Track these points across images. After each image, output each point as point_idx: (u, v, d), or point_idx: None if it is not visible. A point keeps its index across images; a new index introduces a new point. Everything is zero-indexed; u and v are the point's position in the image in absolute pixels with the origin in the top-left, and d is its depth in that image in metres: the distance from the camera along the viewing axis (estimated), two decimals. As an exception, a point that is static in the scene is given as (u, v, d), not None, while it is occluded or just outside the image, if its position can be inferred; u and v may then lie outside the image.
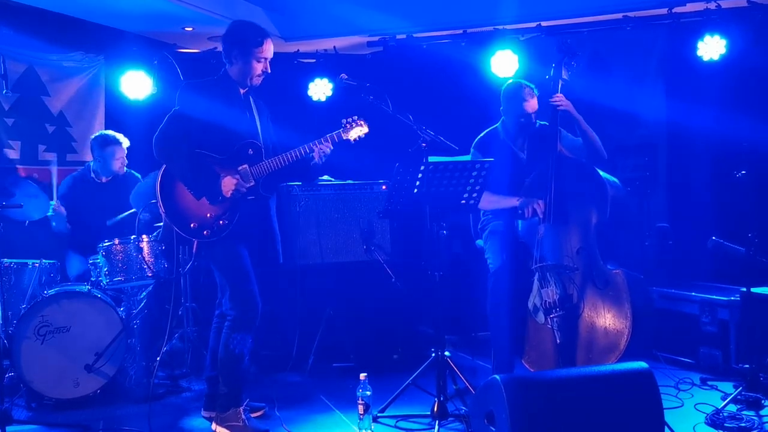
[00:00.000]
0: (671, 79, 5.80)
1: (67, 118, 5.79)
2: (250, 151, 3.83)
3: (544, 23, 5.57)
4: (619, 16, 5.39)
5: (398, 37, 5.99)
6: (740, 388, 3.98)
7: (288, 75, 6.27)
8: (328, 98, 6.26)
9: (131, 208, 4.73)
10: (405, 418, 3.91)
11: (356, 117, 3.89)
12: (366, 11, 5.71)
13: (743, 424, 3.65)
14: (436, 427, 3.71)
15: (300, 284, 5.30)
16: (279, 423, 3.95)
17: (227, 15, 5.36)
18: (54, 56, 5.66)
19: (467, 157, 4.38)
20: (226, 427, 3.79)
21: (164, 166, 3.82)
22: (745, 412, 3.80)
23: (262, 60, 3.84)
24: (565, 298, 4.12)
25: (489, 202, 4.24)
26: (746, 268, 4.11)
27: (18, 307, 4.45)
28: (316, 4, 5.86)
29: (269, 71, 3.89)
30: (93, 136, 5.11)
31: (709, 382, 4.42)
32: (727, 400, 3.92)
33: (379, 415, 3.90)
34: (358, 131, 3.88)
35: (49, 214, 4.83)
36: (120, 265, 4.45)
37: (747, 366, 4.03)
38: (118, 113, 5.83)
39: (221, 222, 3.79)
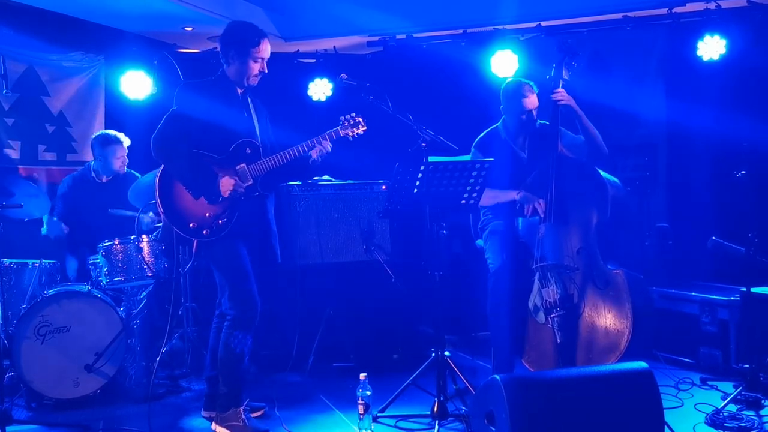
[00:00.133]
0: (671, 79, 5.80)
1: (67, 118, 5.80)
2: (248, 150, 3.84)
3: (544, 23, 5.57)
4: (619, 16, 5.39)
5: (398, 37, 6.00)
6: (740, 388, 3.98)
7: (288, 75, 6.28)
8: (328, 98, 6.27)
9: (131, 208, 4.73)
10: (405, 418, 3.91)
11: (354, 114, 3.90)
12: (366, 11, 5.71)
13: (743, 424, 3.65)
14: (436, 427, 3.71)
15: (300, 284, 5.30)
16: (279, 423, 3.95)
17: (227, 15, 5.36)
18: (54, 56, 5.67)
19: (467, 157, 4.38)
20: (226, 427, 3.79)
21: (162, 166, 3.83)
22: (745, 412, 3.80)
23: (259, 60, 3.84)
24: (565, 297, 4.12)
25: (489, 197, 4.24)
26: (746, 268, 4.11)
27: (18, 307, 4.45)
28: (316, 4, 5.86)
29: (266, 71, 3.89)
30: (94, 135, 5.11)
31: (709, 382, 4.41)
32: (727, 400, 3.92)
33: (379, 415, 3.90)
34: (356, 128, 3.88)
35: (43, 229, 4.84)
36: (120, 265, 4.45)
37: (747, 366, 4.02)
38: (118, 113, 5.83)
39: (220, 221, 3.79)
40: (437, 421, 3.73)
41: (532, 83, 4.40)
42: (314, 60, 6.37)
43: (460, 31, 5.84)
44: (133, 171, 5.14)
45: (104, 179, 5.08)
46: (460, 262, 5.25)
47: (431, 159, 3.80)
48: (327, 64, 6.26)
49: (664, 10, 5.28)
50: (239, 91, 3.91)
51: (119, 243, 4.47)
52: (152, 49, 5.80)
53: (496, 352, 4.22)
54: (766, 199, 4.64)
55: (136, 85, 5.56)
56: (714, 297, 4.69)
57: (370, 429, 3.67)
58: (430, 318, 5.24)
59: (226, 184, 3.75)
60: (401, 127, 3.93)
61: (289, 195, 5.23)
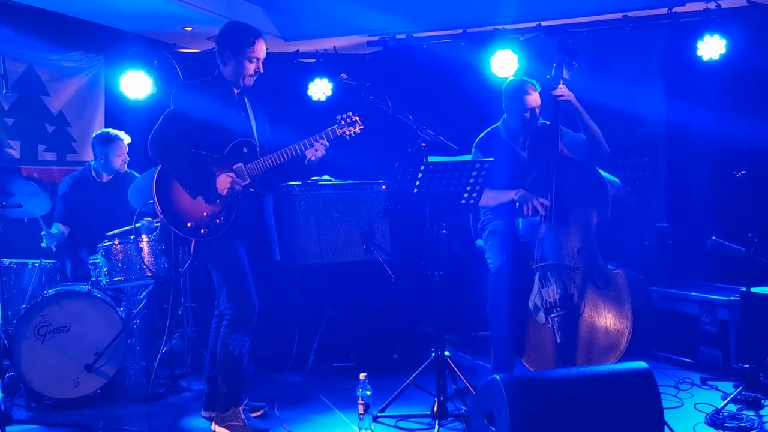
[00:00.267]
0: (671, 79, 5.80)
1: (67, 117, 5.80)
2: (245, 150, 3.85)
3: (544, 23, 5.57)
4: (619, 15, 5.39)
5: (398, 37, 6.00)
6: (740, 387, 3.98)
7: (288, 75, 6.28)
8: (328, 98, 6.27)
9: (131, 208, 4.72)
10: (405, 417, 3.91)
11: (351, 113, 3.90)
12: (366, 11, 5.71)
13: (743, 424, 3.65)
14: (436, 426, 3.71)
15: (300, 284, 5.30)
16: (279, 423, 3.95)
17: (227, 15, 5.36)
18: (54, 56, 5.67)
19: (468, 157, 4.38)
20: (226, 427, 3.79)
21: (160, 166, 3.84)
22: (744, 412, 3.80)
23: (255, 60, 3.85)
24: (565, 297, 4.12)
25: (488, 198, 4.24)
26: (746, 267, 4.11)
27: (18, 307, 4.45)
28: (316, 4, 5.86)
29: (262, 71, 3.90)
30: (94, 134, 5.11)
31: (709, 382, 4.42)
32: (727, 399, 3.92)
33: (379, 414, 3.90)
34: (353, 127, 3.88)
35: (42, 243, 4.84)
36: (120, 265, 4.45)
37: (747, 366, 4.02)
38: (118, 113, 5.83)
39: (218, 220, 3.80)
40: (437, 421, 3.73)
41: (534, 81, 4.39)
42: (314, 60, 6.38)
43: (460, 31, 5.84)
44: (133, 171, 5.14)
45: (105, 178, 5.08)
46: (460, 262, 5.25)
47: (431, 159, 3.80)
48: (327, 64, 6.27)
49: (664, 10, 5.28)
50: (236, 91, 3.92)
51: (119, 243, 4.47)
52: (152, 49, 5.80)
53: (496, 352, 4.22)
54: (766, 199, 4.64)
55: (136, 84, 5.56)
56: (714, 297, 4.69)
57: (370, 429, 3.67)
58: (430, 318, 5.24)
59: (224, 182, 3.75)
60: (401, 127, 3.93)
61: (289, 195, 5.23)
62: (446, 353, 3.91)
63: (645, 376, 3.18)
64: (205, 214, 3.79)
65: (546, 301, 4.11)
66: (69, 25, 5.48)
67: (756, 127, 4.73)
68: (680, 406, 4.05)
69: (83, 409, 4.22)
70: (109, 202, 4.97)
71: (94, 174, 5.08)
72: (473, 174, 3.91)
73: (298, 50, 6.31)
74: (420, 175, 3.82)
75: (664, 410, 3.18)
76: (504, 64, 5.57)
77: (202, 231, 3.78)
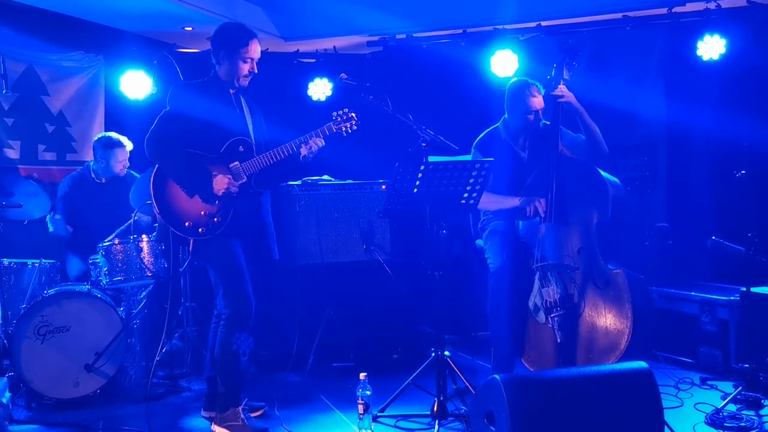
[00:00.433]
0: (671, 78, 5.80)
1: (67, 117, 5.80)
2: (241, 148, 3.86)
3: (543, 23, 5.57)
4: (619, 15, 5.39)
5: (398, 36, 6.00)
6: (740, 387, 3.98)
7: (288, 75, 6.29)
8: (328, 98, 6.27)
9: (131, 209, 4.72)
10: (405, 417, 3.91)
11: (347, 109, 3.91)
12: (366, 11, 5.71)
13: (743, 424, 3.65)
14: (436, 426, 3.71)
15: (300, 284, 5.30)
16: (279, 423, 3.95)
17: (227, 15, 5.36)
18: (54, 56, 5.67)
19: (468, 157, 4.38)
20: (226, 427, 3.79)
21: (157, 166, 3.84)
22: (744, 412, 3.81)
23: (249, 60, 3.87)
24: (565, 297, 4.12)
25: (491, 202, 4.25)
26: (746, 267, 4.11)
27: (18, 307, 4.45)
28: (316, 4, 5.86)
29: (256, 71, 3.92)
30: (97, 137, 5.10)
31: (709, 382, 4.42)
32: (727, 399, 3.92)
33: (379, 414, 3.90)
34: (348, 123, 3.88)
35: (49, 227, 4.84)
36: (120, 264, 4.46)
37: (747, 366, 4.03)
38: (118, 113, 5.83)
39: (215, 219, 3.80)
40: (437, 421, 3.73)
41: (539, 84, 4.39)
42: (314, 60, 6.38)
43: (460, 31, 5.84)
44: (132, 171, 5.14)
45: (103, 180, 5.08)
46: (460, 262, 5.25)
47: (431, 159, 3.80)
48: (327, 63, 6.27)
49: (663, 10, 5.29)
50: (232, 91, 3.93)
51: (119, 243, 4.47)
52: (152, 48, 5.80)
53: (496, 351, 4.22)
54: (766, 199, 4.64)
55: (136, 84, 5.56)
56: (714, 297, 4.69)
57: (370, 429, 3.67)
58: (430, 318, 5.24)
59: (220, 182, 3.76)
60: (401, 127, 3.93)
61: (289, 195, 5.23)
62: (446, 353, 3.91)
63: (645, 376, 3.18)
64: (202, 213, 3.80)
65: (546, 300, 4.11)
66: (69, 25, 5.48)
67: (756, 127, 4.73)
68: (680, 406, 4.05)
69: (83, 409, 4.22)
70: (108, 202, 4.97)
71: (93, 175, 5.08)
72: (473, 174, 3.91)
73: (298, 50, 6.31)
74: (420, 175, 3.82)
75: (664, 410, 3.18)
76: (504, 64, 5.57)
77: (200, 230, 3.79)
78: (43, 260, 4.61)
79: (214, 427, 3.85)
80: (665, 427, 3.19)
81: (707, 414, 3.80)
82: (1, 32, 5.24)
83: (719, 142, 5.32)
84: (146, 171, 4.65)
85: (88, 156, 5.39)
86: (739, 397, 3.92)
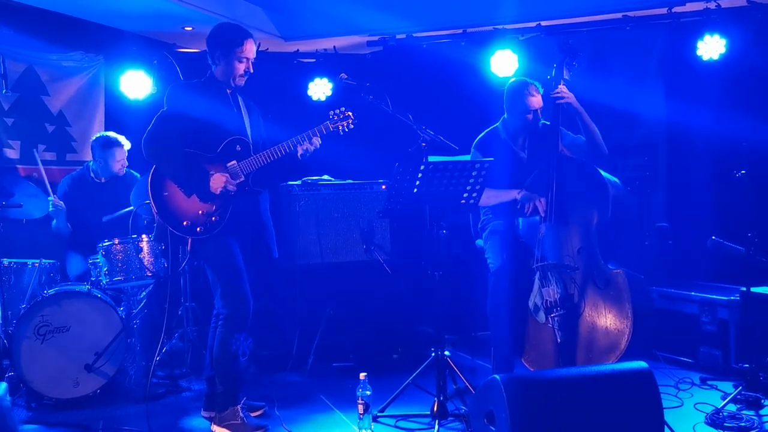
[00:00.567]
0: (671, 78, 5.80)
1: (67, 117, 5.80)
2: (238, 148, 3.87)
3: (543, 23, 5.57)
4: (619, 15, 5.39)
5: (398, 36, 6.00)
6: (740, 387, 3.97)
7: (288, 75, 6.29)
8: (328, 98, 6.26)
9: (132, 210, 4.73)
10: (405, 417, 3.91)
11: (344, 108, 3.92)
12: (366, 11, 5.71)
13: (743, 424, 3.65)
14: (436, 426, 3.71)
15: (300, 284, 5.30)
16: (279, 422, 3.95)
17: (227, 15, 5.36)
18: (54, 56, 5.66)
19: (467, 157, 4.38)
20: (225, 427, 3.80)
21: (154, 166, 3.85)
22: (744, 412, 3.80)
23: (244, 60, 3.88)
24: (565, 297, 4.12)
25: (489, 197, 4.24)
26: (746, 267, 4.11)
27: (18, 307, 4.45)
28: (316, 4, 5.86)
29: (252, 71, 3.93)
30: (94, 137, 5.11)
31: (709, 382, 4.42)
32: (727, 399, 3.92)
33: (379, 414, 3.90)
34: (346, 122, 3.89)
35: (50, 209, 4.83)
36: (120, 264, 4.46)
37: (747, 365, 4.02)
38: (118, 113, 5.83)
39: (213, 219, 3.81)
40: (437, 421, 3.73)
41: (537, 83, 4.39)
42: (314, 60, 6.38)
43: (460, 31, 5.84)
44: (132, 171, 5.15)
45: (103, 180, 5.08)
46: (460, 262, 5.25)
47: (431, 159, 3.80)
48: (327, 63, 6.27)
49: (663, 10, 5.28)
50: (228, 90, 3.94)
51: (119, 243, 4.47)
52: (152, 48, 5.80)
53: (496, 351, 4.22)
54: (766, 199, 4.65)
55: (136, 84, 5.56)
56: (714, 297, 4.69)
57: (370, 429, 3.67)
58: (430, 318, 5.24)
59: (218, 181, 3.77)
60: (401, 126, 3.93)
61: (289, 195, 5.23)
62: (446, 353, 3.91)
63: (645, 376, 3.18)
64: (200, 212, 3.81)
65: (546, 300, 4.11)
66: (69, 25, 5.48)
67: (756, 127, 4.73)
68: (680, 406, 4.05)
69: (83, 409, 4.22)
70: (108, 202, 4.97)
71: (92, 175, 5.08)
72: (473, 174, 3.91)
73: (298, 50, 6.31)
74: (420, 175, 3.82)
75: (664, 410, 3.18)
76: (504, 64, 5.57)
77: (198, 229, 3.80)
78: (43, 260, 4.61)
79: (214, 427, 3.85)
80: (665, 427, 3.19)
81: (707, 414, 3.80)
82: (1, 32, 5.24)
83: (719, 142, 5.32)
84: (147, 173, 4.64)
85: (88, 156, 5.39)
86: (739, 397, 3.92)
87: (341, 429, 3.91)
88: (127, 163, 5.09)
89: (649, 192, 5.63)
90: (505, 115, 4.51)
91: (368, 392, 3.63)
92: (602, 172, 4.27)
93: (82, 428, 3.91)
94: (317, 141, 3.88)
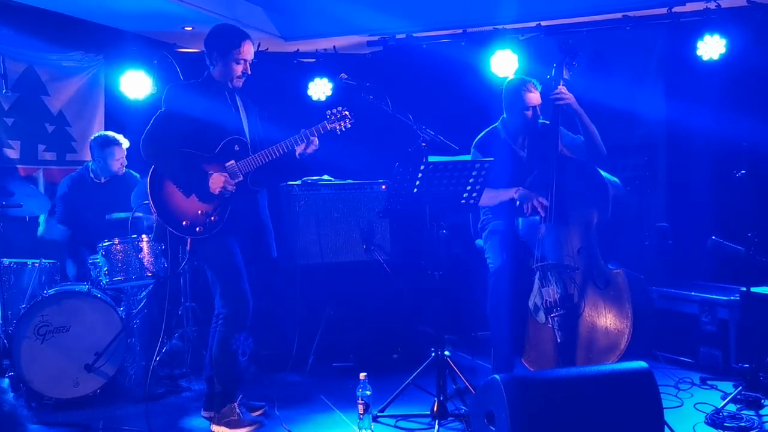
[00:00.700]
0: (671, 78, 5.80)
1: (67, 117, 5.80)
2: (236, 147, 3.88)
3: (543, 23, 5.57)
4: (619, 15, 5.39)
5: (398, 36, 6.00)
6: (740, 387, 3.97)
7: (288, 75, 6.29)
8: (328, 98, 6.26)
9: (129, 209, 4.73)
10: (405, 417, 3.91)
11: (341, 108, 3.92)
12: (366, 11, 5.71)
13: (743, 424, 3.65)
14: (436, 426, 3.71)
15: (300, 284, 5.30)
16: (279, 422, 3.95)
17: (227, 15, 5.37)
18: (54, 56, 5.66)
19: (467, 157, 4.38)
20: (224, 425, 3.81)
21: (153, 166, 3.85)
22: (744, 412, 3.80)
23: (242, 62, 3.89)
24: (565, 297, 4.12)
25: (488, 197, 4.24)
26: (746, 267, 4.11)
27: (18, 307, 4.45)
28: (316, 4, 5.86)
29: (249, 72, 3.94)
30: (93, 137, 5.11)
31: (709, 382, 4.41)
32: (727, 399, 3.92)
33: (379, 414, 3.90)
34: (343, 122, 3.89)
35: (42, 218, 4.84)
36: (120, 264, 4.46)
37: (747, 365, 4.02)
38: (118, 113, 5.83)
39: (212, 218, 3.81)
40: (437, 421, 3.73)
41: (535, 80, 4.39)
42: (314, 60, 6.38)
43: (460, 31, 5.84)
44: (131, 171, 5.15)
45: (102, 180, 5.08)
46: (460, 262, 5.25)
47: (431, 159, 3.80)
48: (327, 63, 6.27)
49: (663, 10, 5.28)
50: (226, 90, 3.94)
51: (119, 243, 4.47)
52: (152, 48, 5.80)
53: (496, 351, 4.22)
54: (766, 199, 4.64)
55: (136, 84, 5.56)
56: (714, 297, 4.69)
57: (370, 429, 3.67)
58: (430, 318, 5.24)
59: (217, 181, 3.78)
60: (401, 126, 3.93)
61: (289, 195, 5.23)
62: (446, 353, 3.91)
63: (645, 376, 3.18)
64: (199, 212, 3.81)
65: (546, 300, 4.11)
66: (69, 25, 5.48)
67: (756, 127, 4.73)
68: (680, 406, 4.05)
69: (83, 409, 4.22)
70: (107, 202, 4.97)
71: (92, 175, 5.09)
72: (473, 174, 3.91)
73: (298, 50, 6.31)
74: (420, 175, 3.82)
75: (664, 410, 3.18)
76: (504, 64, 5.57)
77: (197, 229, 3.80)
78: (43, 260, 4.61)
79: (214, 426, 3.85)
80: (665, 427, 3.19)
81: (707, 414, 3.80)
82: (1, 32, 5.24)
83: (719, 142, 5.32)
84: (147, 174, 4.64)
85: (88, 156, 5.39)
86: (739, 397, 3.92)
87: (341, 429, 3.91)
88: (126, 162, 5.09)
89: (649, 192, 5.63)
90: (504, 115, 4.51)
91: (368, 392, 3.63)
92: (602, 172, 4.27)
93: (82, 428, 3.91)
94: (316, 141, 3.88)
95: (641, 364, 3.26)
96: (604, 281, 4.14)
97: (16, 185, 4.61)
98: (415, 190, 3.86)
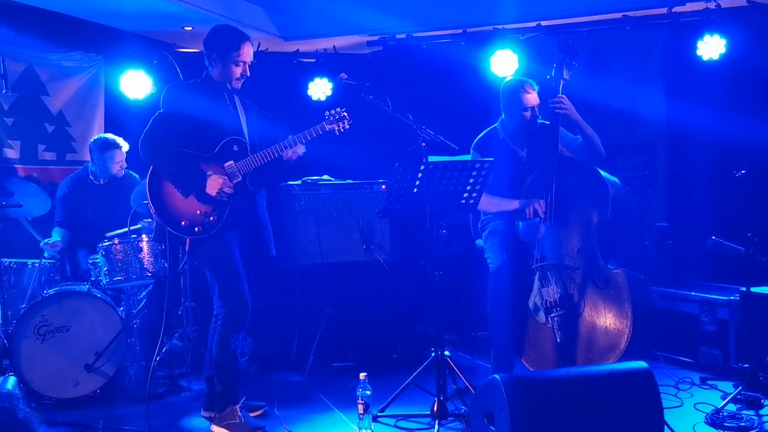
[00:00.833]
0: (671, 78, 5.80)
1: (67, 117, 5.80)
2: (235, 148, 3.88)
3: (543, 23, 5.57)
4: (619, 15, 5.39)
5: (398, 36, 6.00)
6: (740, 387, 3.98)
7: (288, 75, 6.28)
8: (328, 98, 6.26)
9: (129, 208, 4.72)
10: (405, 417, 3.91)
11: (339, 108, 3.92)
12: (366, 11, 5.71)
13: (743, 424, 3.65)
14: (436, 426, 3.71)
15: (300, 284, 5.30)
16: (279, 422, 3.95)
17: (227, 15, 5.36)
18: (53, 56, 5.66)
19: (467, 157, 4.38)
20: (224, 426, 3.80)
21: (152, 167, 3.85)
22: (744, 412, 3.80)
23: (241, 63, 3.89)
24: (565, 297, 4.12)
25: (490, 204, 4.25)
26: (746, 267, 4.12)
27: (18, 307, 4.45)
28: (316, 3, 5.86)
29: (248, 74, 3.94)
30: (92, 139, 5.10)
31: (709, 382, 4.42)
32: (727, 399, 3.92)
33: (378, 414, 3.90)
34: (341, 123, 3.89)
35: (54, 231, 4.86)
36: (120, 264, 4.46)
37: (746, 365, 4.03)
38: (118, 113, 5.83)
39: (211, 218, 3.81)
40: (437, 421, 3.73)
41: (531, 81, 4.39)
42: (314, 59, 6.38)
43: (460, 31, 5.84)
44: (131, 172, 5.14)
45: (102, 182, 5.08)
46: (460, 261, 5.25)
47: (431, 159, 3.80)
48: (327, 63, 6.27)
49: (663, 10, 5.28)
50: (225, 91, 3.94)
51: (119, 243, 4.47)
52: (152, 48, 5.80)
53: (496, 351, 4.22)
54: (766, 198, 4.64)
55: (136, 84, 5.55)
56: (714, 297, 4.69)
57: (370, 429, 3.67)
58: (429, 317, 5.24)
59: (214, 183, 3.78)
60: (401, 126, 3.93)
61: (289, 195, 5.23)
62: (446, 353, 3.91)
63: (645, 376, 3.18)
64: (198, 212, 3.81)
65: (546, 300, 4.11)
66: (69, 25, 5.47)
67: (756, 126, 4.72)
68: (680, 406, 4.05)
69: (83, 409, 4.23)
70: (107, 203, 4.98)
71: (91, 176, 5.08)
72: (473, 174, 3.91)
73: (298, 50, 6.31)
74: (420, 175, 3.82)
75: (664, 410, 3.18)
76: (504, 63, 5.57)
77: (196, 229, 3.81)
78: (43, 260, 4.61)
79: (214, 427, 3.85)
80: (665, 427, 3.19)
81: (707, 414, 3.80)
82: (1, 32, 5.24)
83: (719, 142, 5.32)
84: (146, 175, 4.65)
85: (88, 156, 5.38)
86: (739, 396, 3.92)
87: (341, 429, 3.91)
88: (125, 165, 5.09)
89: (649, 192, 5.63)
90: (503, 116, 4.51)
91: (368, 392, 3.63)
92: (602, 172, 4.26)
93: (82, 428, 3.91)
94: (300, 149, 3.89)
95: (641, 364, 3.26)
96: (603, 281, 4.14)
97: (16, 185, 4.61)
98: (415, 190, 3.86)
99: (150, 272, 4.49)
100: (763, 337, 4.16)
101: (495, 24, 5.68)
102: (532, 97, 4.33)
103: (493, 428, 3.13)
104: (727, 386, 4.26)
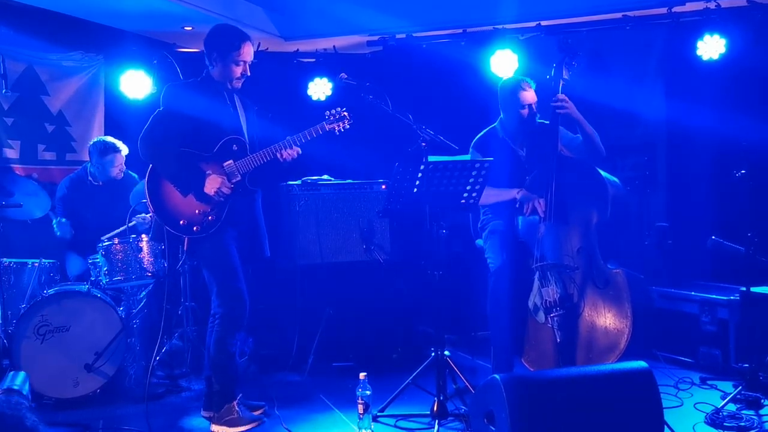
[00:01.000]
0: (671, 78, 5.80)
1: (67, 117, 5.79)
2: (235, 147, 3.88)
3: (543, 23, 5.57)
4: (619, 15, 5.39)
5: (398, 36, 6.00)
6: (740, 387, 3.98)
7: (288, 74, 6.29)
8: (328, 98, 6.26)
9: (128, 208, 4.72)
10: (405, 417, 3.91)
11: (340, 108, 3.92)
12: (366, 11, 5.71)
13: (743, 424, 3.65)
14: (436, 426, 3.71)
15: (300, 284, 5.30)
16: (278, 422, 3.95)
17: (227, 15, 5.36)
18: (53, 56, 5.66)
19: (467, 157, 4.38)
20: (224, 424, 3.81)
21: (151, 166, 3.85)
22: (744, 412, 3.80)
23: (241, 63, 3.89)
24: (565, 297, 4.12)
25: (489, 195, 4.24)
26: (746, 267, 4.11)
27: (17, 307, 4.45)
28: (316, 3, 5.86)
29: (249, 74, 3.94)
30: (92, 142, 5.10)
31: (709, 382, 4.42)
32: (727, 399, 3.92)
33: (378, 414, 3.90)
34: (342, 122, 3.89)
35: (54, 222, 4.85)
36: (120, 264, 4.46)
37: (746, 365, 4.03)
38: (118, 113, 5.83)
39: (210, 218, 3.82)
40: (437, 421, 3.73)
41: (529, 79, 4.39)
42: (314, 59, 6.38)
43: (460, 31, 5.84)
44: (130, 172, 5.14)
45: (101, 183, 5.08)
46: (460, 261, 5.25)
47: (431, 158, 3.80)
48: (327, 63, 6.27)
49: (663, 10, 5.29)
50: (225, 90, 3.94)
51: (119, 243, 4.47)
52: (152, 48, 5.80)
53: (495, 351, 4.22)
54: (766, 198, 4.64)
55: (136, 84, 5.55)
56: (714, 296, 4.69)
57: (370, 428, 3.67)
58: (429, 317, 5.24)
59: (213, 182, 3.78)
60: (401, 126, 3.93)
61: (289, 195, 5.23)
62: (446, 353, 3.91)
63: (645, 376, 3.18)
64: (197, 211, 3.81)
65: (546, 300, 4.11)
66: (69, 25, 5.47)
67: (756, 126, 4.72)
68: (680, 406, 4.05)
69: (83, 409, 4.23)
70: (106, 203, 4.97)
71: (90, 177, 5.08)
72: (473, 173, 3.91)
73: (298, 50, 6.31)
74: (420, 175, 3.82)
75: (664, 410, 3.18)
76: (504, 63, 5.57)
77: (194, 228, 3.81)
78: (43, 260, 4.61)
79: (213, 426, 3.85)
80: (665, 426, 3.19)
81: (707, 414, 3.80)
82: (1, 32, 5.24)
83: (719, 142, 5.32)
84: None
85: (88, 156, 5.39)
86: (738, 396, 3.92)
87: (341, 429, 3.91)
88: (124, 168, 5.09)
89: (649, 192, 5.63)
90: (502, 115, 4.51)
91: (368, 392, 3.63)
92: (602, 172, 4.26)
93: (82, 428, 3.91)
94: (296, 150, 3.88)
95: (641, 363, 3.26)
96: (603, 281, 4.14)
97: (16, 185, 4.61)
98: (415, 189, 3.87)
99: (150, 272, 4.49)
100: (763, 337, 4.16)
101: (495, 24, 5.68)
102: (530, 95, 4.34)
103: (493, 428, 3.13)
104: (727, 386, 4.26)
